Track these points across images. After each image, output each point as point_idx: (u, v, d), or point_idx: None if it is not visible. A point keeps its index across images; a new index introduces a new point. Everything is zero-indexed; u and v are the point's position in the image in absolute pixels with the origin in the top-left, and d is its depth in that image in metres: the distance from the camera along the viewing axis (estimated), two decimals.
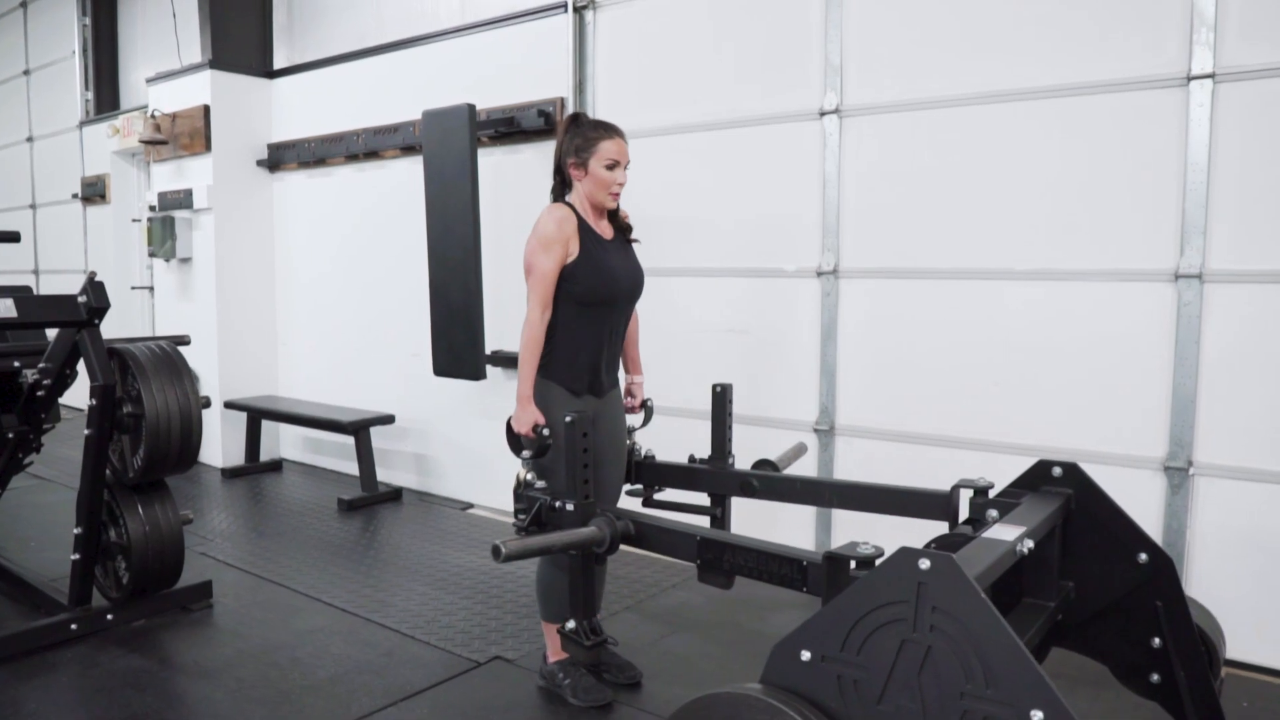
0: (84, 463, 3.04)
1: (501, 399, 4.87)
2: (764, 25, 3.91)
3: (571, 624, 2.30)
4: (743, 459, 3.03)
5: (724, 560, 2.08)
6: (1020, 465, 3.18)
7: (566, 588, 2.74)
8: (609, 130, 2.68)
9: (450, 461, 5.24)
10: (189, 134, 5.70)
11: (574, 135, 2.69)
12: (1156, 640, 2.32)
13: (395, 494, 5.22)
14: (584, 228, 2.65)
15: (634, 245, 2.86)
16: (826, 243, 3.77)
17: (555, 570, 2.72)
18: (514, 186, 4.73)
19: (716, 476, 2.87)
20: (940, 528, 2.67)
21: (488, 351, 4.57)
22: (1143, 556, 2.30)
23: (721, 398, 2.91)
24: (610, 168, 2.65)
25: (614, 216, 2.79)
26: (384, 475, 5.37)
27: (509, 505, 4.90)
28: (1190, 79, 2.94)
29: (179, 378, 3.03)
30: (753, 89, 3.96)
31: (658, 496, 3.03)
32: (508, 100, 4.68)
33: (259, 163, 5.91)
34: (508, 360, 4.72)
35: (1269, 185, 2.86)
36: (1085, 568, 2.38)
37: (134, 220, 7.11)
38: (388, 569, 3.97)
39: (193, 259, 5.87)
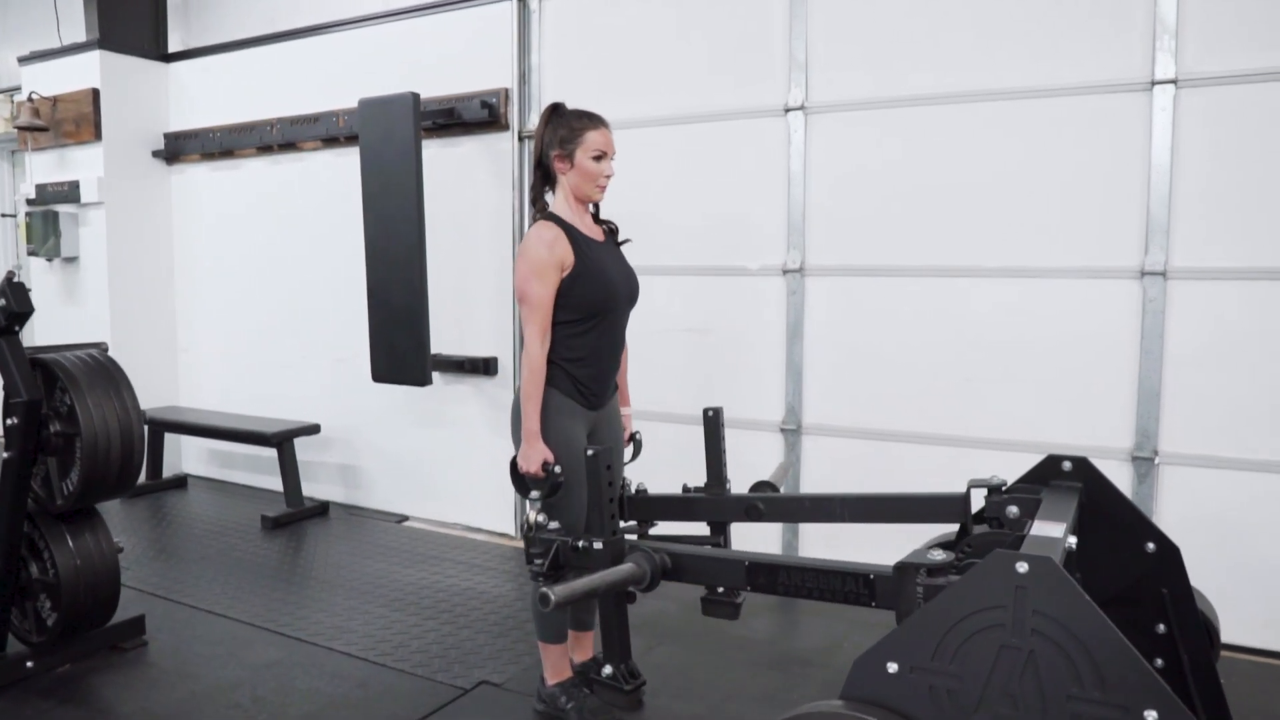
0: (0, 490, 2.66)
1: (438, 405, 4.64)
2: (725, 19, 3.85)
3: (609, 669, 2.16)
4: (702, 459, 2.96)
5: (778, 583, 1.99)
6: (991, 460, 3.26)
7: (563, 609, 2.60)
8: (594, 120, 2.56)
9: (381, 472, 4.94)
10: (74, 120, 5.16)
11: (557, 126, 2.55)
12: (1161, 626, 2.39)
13: (322, 508, 4.88)
14: (575, 236, 2.51)
15: (623, 246, 2.75)
16: (792, 240, 3.75)
17: None
18: (452, 182, 4.49)
19: (717, 504, 2.73)
20: (922, 529, 2.66)
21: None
22: (1150, 546, 2.36)
23: (714, 422, 2.77)
24: (598, 159, 2.53)
25: (597, 216, 2.67)
26: (306, 489, 5.01)
27: (448, 517, 4.75)
28: (1154, 84, 3.07)
29: (117, 390, 2.69)
30: (714, 83, 3.89)
31: (651, 532, 2.89)
32: (444, 90, 4.43)
33: (155, 153, 5.41)
34: (448, 364, 4.49)
35: (1226, 187, 3.02)
36: (1095, 559, 2.42)
37: (4, 215, 6.40)
38: (337, 591, 3.69)
39: (80, 258, 5.32)
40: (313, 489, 5.06)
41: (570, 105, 2.60)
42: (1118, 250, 3.18)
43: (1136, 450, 3.17)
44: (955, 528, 2.70)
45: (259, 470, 5.33)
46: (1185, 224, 3.07)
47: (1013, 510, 2.30)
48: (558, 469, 2.40)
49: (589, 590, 1.97)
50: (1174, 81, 3.04)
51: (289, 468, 4.72)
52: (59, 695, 2.76)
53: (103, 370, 2.71)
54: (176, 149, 5.37)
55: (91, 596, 2.82)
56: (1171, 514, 3.16)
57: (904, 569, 1.81)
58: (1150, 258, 3.11)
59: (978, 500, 2.46)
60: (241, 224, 5.30)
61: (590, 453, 2.20)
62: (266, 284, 5.23)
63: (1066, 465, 2.43)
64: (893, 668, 1.67)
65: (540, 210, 2.60)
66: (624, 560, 2.18)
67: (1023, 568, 1.58)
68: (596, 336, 2.53)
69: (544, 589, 1.86)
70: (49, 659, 2.89)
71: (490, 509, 4.55)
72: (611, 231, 2.70)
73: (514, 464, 2.47)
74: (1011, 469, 2.60)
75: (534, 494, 2.39)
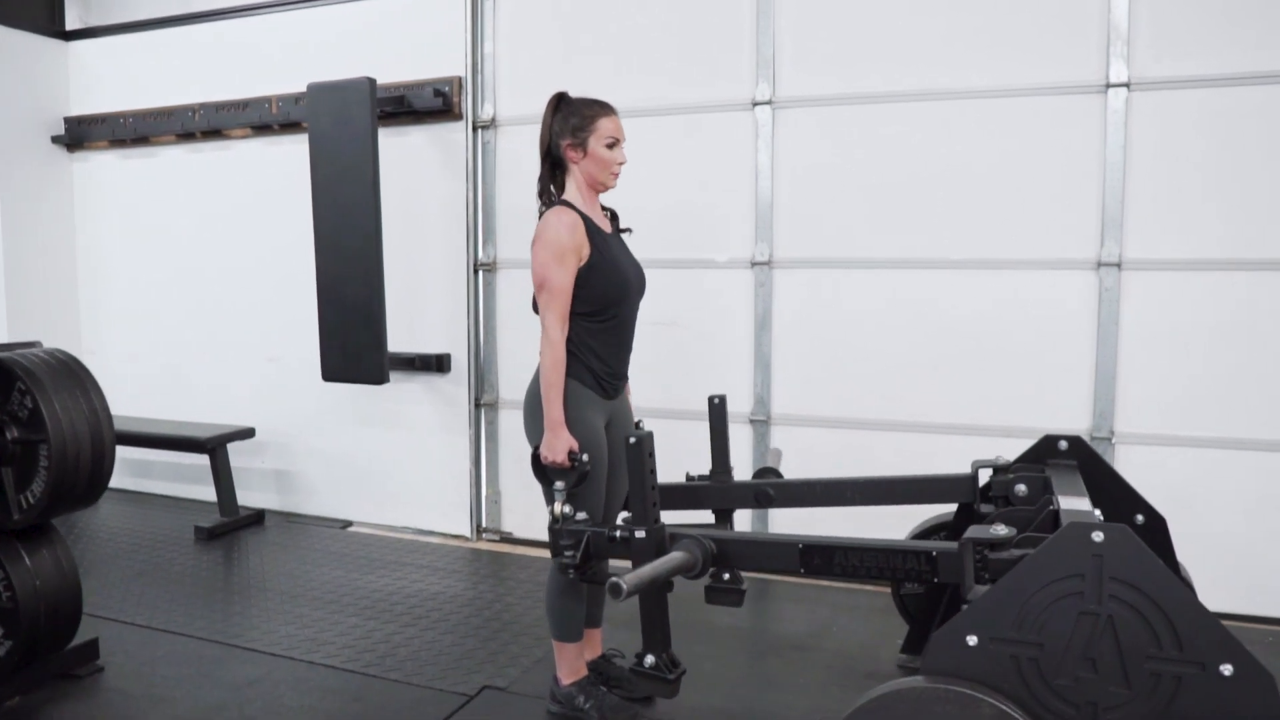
0: None
1: (385, 404, 4.45)
2: (690, 9, 3.85)
3: (651, 659, 2.13)
4: (680, 453, 2.96)
5: (834, 564, 2.01)
6: (958, 445, 3.41)
7: (580, 605, 2.55)
8: (605, 107, 2.53)
9: (320, 477, 4.71)
10: None
11: (567, 115, 2.51)
12: None
13: (257, 517, 4.61)
14: (590, 226, 2.47)
15: (624, 235, 2.73)
16: (760, 233, 3.80)
17: (569, 588, 2.51)
18: (402, 173, 4.30)
19: (724, 491, 2.74)
20: (900, 512, 2.75)
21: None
22: (1139, 518, 2.51)
23: (720, 409, 2.78)
24: (611, 146, 2.50)
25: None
26: (238, 497, 4.69)
27: (396, 521, 4.58)
28: (1108, 87, 3.27)
29: (84, 392, 2.47)
30: (679, 76, 3.89)
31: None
32: (390, 78, 4.24)
33: (54, 139, 4.98)
34: (398, 362, 4.30)
35: (1173, 184, 3.25)
36: None
37: None
38: (299, 602, 3.49)
39: None
40: (244, 497, 4.76)
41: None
42: (1075, 243, 3.37)
43: (1094, 431, 3.38)
44: (945, 509, 2.84)
45: (180, 479, 4.98)
46: (1138, 219, 3.29)
47: (1021, 489, 2.41)
48: (584, 457, 2.35)
49: (652, 579, 1.95)
50: (1126, 85, 3.24)
51: (222, 475, 4.44)
52: None
53: (67, 370, 2.47)
54: (80, 135, 4.95)
55: (51, 620, 2.57)
56: None
57: (968, 545, 1.87)
58: (1106, 250, 3.32)
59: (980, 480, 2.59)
60: (157, 216, 4.93)
61: (632, 440, 2.17)
62: (187, 281, 4.89)
63: (1063, 444, 2.54)
64: (972, 640, 1.72)
65: (548, 202, 2.54)
66: (665, 548, 2.16)
67: (1099, 537, 1.65)
68: (612, 329, 2.51)
69: (614, 579, 1.83)
70: None
71: (443, 511, 4.41)
72: (614, 218, 2.67)
73: (535, 455, 2.40)
74: (978, 452, 2.73)
75: (558, 484, 2.34)
